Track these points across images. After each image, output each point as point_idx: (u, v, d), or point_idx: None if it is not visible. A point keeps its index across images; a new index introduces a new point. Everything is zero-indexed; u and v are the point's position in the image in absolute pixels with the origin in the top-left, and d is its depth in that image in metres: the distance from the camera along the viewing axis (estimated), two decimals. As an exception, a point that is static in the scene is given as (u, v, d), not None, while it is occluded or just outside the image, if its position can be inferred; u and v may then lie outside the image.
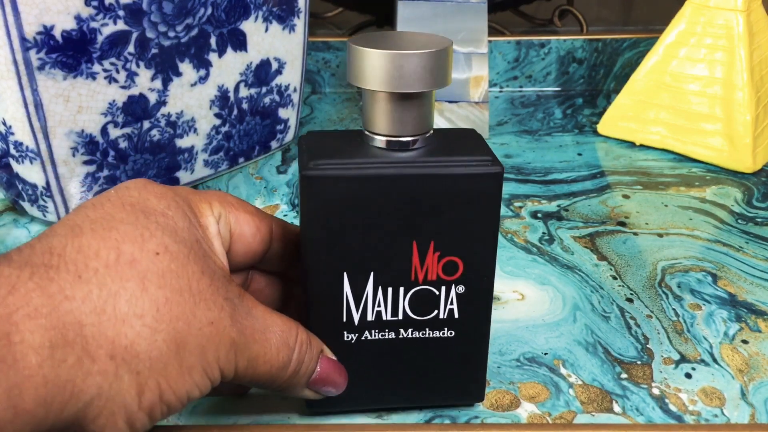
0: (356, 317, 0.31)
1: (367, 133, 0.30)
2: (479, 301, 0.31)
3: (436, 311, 0.31)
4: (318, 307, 0.31)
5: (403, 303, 0.31)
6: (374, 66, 0.28)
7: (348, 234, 0.29)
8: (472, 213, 0.30)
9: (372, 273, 0.30)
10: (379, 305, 0.31)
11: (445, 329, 0.32)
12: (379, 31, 0.30)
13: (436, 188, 0.29)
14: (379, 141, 0.29)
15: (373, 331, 0.32)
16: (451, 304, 0.31)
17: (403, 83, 0.28)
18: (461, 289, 0.31)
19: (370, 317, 0.31)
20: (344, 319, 0.31)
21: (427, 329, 0.32)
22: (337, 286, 0.30)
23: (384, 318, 0.31)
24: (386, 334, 0.32)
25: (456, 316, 0.31)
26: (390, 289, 0.31)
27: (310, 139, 0.31)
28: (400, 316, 0.31)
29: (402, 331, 0.32)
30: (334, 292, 0.30)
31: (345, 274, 0.30)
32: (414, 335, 0.32)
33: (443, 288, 0.31)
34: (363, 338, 0.32)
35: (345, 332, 0.31)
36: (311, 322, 0.31)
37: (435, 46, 0.28)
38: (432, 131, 0.30)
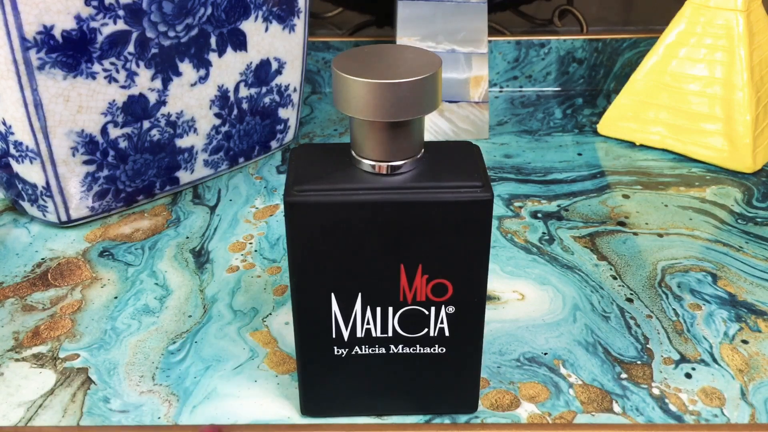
0: (345, 334, 0.31)
1: (354, 155, 0.29)
2: (470, 320, 0.31)
3: (426, 329, 0.31)
4: (306, 323, 0.31)
5: (393, 321, 0.30)
6: (360, 95, 0.26)
7: (333, 256, 0.29)
8: (461, 238, 0.29)
9: (360, 293, 0.30)
10: (368, 323, 0.30)
11: (436, 346, 0.31)
12: (366, 46, 0.28)
13: (423, 214, 0.28)
14: (366, 165, 0.28)
15: (363, 347, 0.31)
16: (441, 323, 0.31)
17: (391, 113, 0.26)
18: (451, 309, 0.30)
19: (359, 334, 0.31)
20: (333, 335, 0.31)
21: (418, 346, 0.31)
22: (325, 304, 0.30)
23: (373, 335, 0.31)
24: (377, 349, 0.31)
25: (447, 334, 0.31)
26: (379, 309, 0.30)
27: (299, 155, 0.30)
28: (390, 334, 0.31)
29: (392, 347, 0.31)
30: (322, 310, 0.30)
31: (332, 293, 0.30)
32: (405, 351, 0.31)
33: (433, 308, 0.30)
34: (353, 353, 0.31)
35: (335, 347, 0.31)
36: (300, 337, 0.31)
37: (423, 71, 0.26)
38: (423, 152, 0.29)
